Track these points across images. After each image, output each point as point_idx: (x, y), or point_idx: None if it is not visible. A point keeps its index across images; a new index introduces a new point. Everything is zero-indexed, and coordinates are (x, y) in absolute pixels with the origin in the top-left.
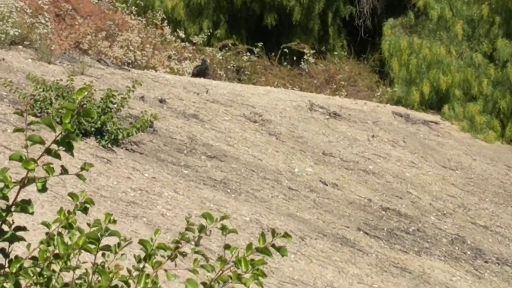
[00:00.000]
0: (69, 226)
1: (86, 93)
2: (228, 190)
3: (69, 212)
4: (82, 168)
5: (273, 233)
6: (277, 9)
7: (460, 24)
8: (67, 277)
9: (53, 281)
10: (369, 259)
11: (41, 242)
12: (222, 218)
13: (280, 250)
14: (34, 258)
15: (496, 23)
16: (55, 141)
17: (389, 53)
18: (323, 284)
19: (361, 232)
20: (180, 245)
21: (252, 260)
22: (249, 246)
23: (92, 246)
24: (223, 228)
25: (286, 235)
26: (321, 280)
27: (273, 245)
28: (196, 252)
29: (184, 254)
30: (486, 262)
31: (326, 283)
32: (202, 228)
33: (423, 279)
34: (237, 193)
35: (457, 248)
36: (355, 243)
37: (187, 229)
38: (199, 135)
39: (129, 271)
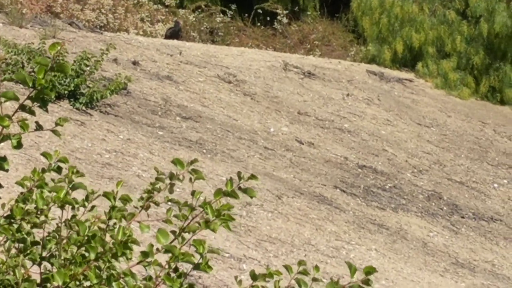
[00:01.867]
0: (42, 186)
1: (59, 47)
2: (204, 151)
3: (43, 170)
4: (56, 124)
5: (239, 176)
6: None
7: None
8: (39, 233)
9: (30, 237)
10: (346, 217)
11: (17, 200)
12: (192, 162)
13: (248, 191)
14: (8, 217)
15: None
16: (29, 97)
17: (360, 12)
18: (300, 242)
19: (338, 190)
20: (152, 195)
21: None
22: (217, 192)
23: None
24: (195, 172)
25: (253, 177)
26: (299, 238)
27: (240, 188)
28: (169, 200)
29: (157, 204)
30: (462, 217)
31: (303, 241)
32: (173, 176)
33: (400, 235)
34: (213, 153)
35: (433, 204)
36: (332, 201)
37: (157, 179)
38: (173, 96)
39: (103, 221)
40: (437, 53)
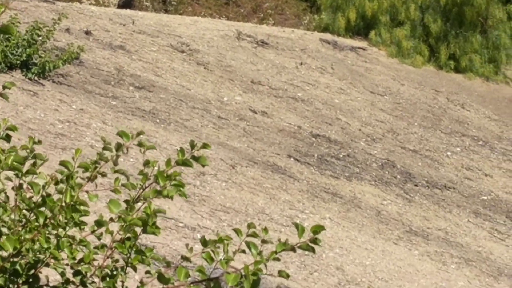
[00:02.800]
0: None
1: (3, 9)
2: (157, 120)
3: None
4: (4, 87)
5: (192, 145)
6: None
7: None
8: None
9: None
10: (300, 186)
11: None
12: (138, 134)
13: (200, 159)
14: None
15: None
16: None
17: None
18: (254, 211)
19: (292, 159)
20: (98, 165)
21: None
22: (168, 161)
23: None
24: (141, 145)
25: (205, 146)
26: (253, 207)
27: (193, 157)
28: (116, 171)
29: (104, 174)
30: (416, 185)
31: (257, 210)
32: (119, 147)
33: (354, 204)
34: (166, 123)
35: (387, 172)
36: (286, 170)
37: (104, 148)
38: (126, 66)
39: (57, 182)
40: (390, 22)
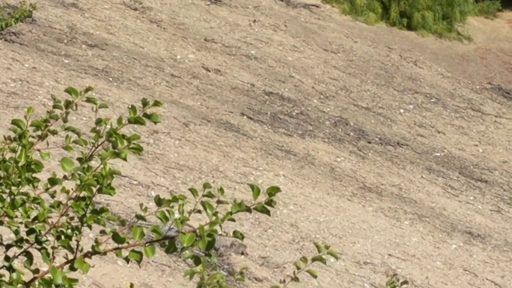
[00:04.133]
0: None
1: None
2: (110, 79)
3: None
4: None
5: (144, 103)
6: None
7: None
8: None
9: None
10: (254, 143)
11: None
12: (87, 90)
13: (152, 117)
14: None
15: None
16: None
17: None
18: (208, 168)
19: (245, 117)
20: (49, 124)
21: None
22: (120, 119)
23: None
24: (90, 101)
25: (157, 103)
26: (207, 164)
27: (145, 114)
28: (66, 129)
29: (54, 132)
30: (369, 142)
31: (211, 168)
32: (68, 104)
33: (308, 161)
34: (119, 81)
35: (340, 130)
36: (239, 128)
37: (54, 106)
38: (79, 24)
39: (12, 149)
40: None
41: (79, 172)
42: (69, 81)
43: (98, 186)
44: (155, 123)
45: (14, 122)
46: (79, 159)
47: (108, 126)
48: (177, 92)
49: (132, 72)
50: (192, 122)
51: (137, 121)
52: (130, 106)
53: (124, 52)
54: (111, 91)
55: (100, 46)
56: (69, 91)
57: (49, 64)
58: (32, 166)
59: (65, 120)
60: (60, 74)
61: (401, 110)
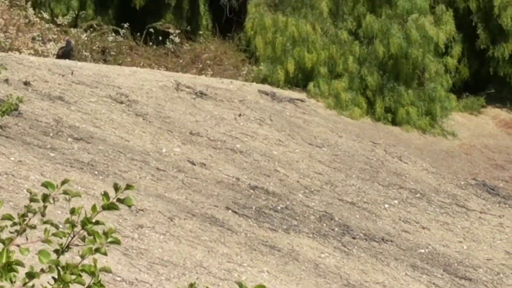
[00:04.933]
0: None
1: None
2: (96, 172)
3: None
4: None
5: (116, 188)
6: None
7: (326, 1)
8: None
9: None
10: (238, 238)
11: None
12: (63, 182)
13: (125, 201)
14: None
15: (360, 1)
16: None
17: (253, 31)
18: (192, 264)
19: (230, 211)
20: (26, 218)
21: (103, 230)
22: (93, 207)
23: None
24: (66, 193)
25: (129, 187)
26: (191, 260)
27: (118, 199)
28: (45, 222)
29: (33, 227)
30: (354, 238)
31: (195, 263)
32: (45, 197)
33: (292, 257)
34: (105, 174)
35: (325, 225)
36: (224, 222)
37: (31, 200)
38: (65, 117)
39: None
40: (329, 73)
41: (58, 266)
42: (55, 174)
43: (87, 285)
44: (129, 206)
45: None
46: (56, 251)
47: (82, 214)
48: (162, 186)
49: (118, 165)
50: (177, 217)
51: (110, 207)
52: (102, 193)
53: (110, 145)
54: (97, 185)
55: (86, 139)
56: (45, 184)
57: (35, 158)
58: (13, 266)
59: (43, 214)
60: (45, 167)
61: (386, 205)
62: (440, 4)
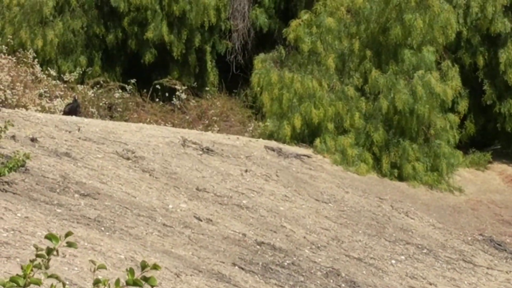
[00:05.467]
0: None
1: None
2: (102, 228)
3: None
4: None
5: (143, 266)
6: (155, 45)
7: (332, 58)
8: None
9: None
10: None
11: None
12: (67, 235)
13: (149, 280)
14: None
15: (367, 57)
16: None
17: (259, 87)
18: None
19: (236, 267)
20: (31, 273)
21: None
22: (117, 281)
23: None
24: (71, 245)
25: (155, 267)
26: None
27: (143, 277)
28: (49, 277)
29: (38, 282)
30: None
31: None
32: (50, 251)
33: None
34: (111, 230)
35: (331, 281)
36: (231, 279)
37: (37, 255)
38: (71, 173)
39: None
40: (335, 129)
41: None
42: (61, 230)
43: None
44: (152, 286)
45: (12, 279)
46: None
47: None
48: (168, 241)
49: (124, 221)
50: (184, 273)
51: (135, 283)
52: (128, 269)
53: (117, 201)
54: (103, 241)
55: (93, 195)
56: (49, 237)
57: (41, 214)
58: None
59: (46, 267)
60: (52, 223)
61: (393, 261)
62: (446, 60)
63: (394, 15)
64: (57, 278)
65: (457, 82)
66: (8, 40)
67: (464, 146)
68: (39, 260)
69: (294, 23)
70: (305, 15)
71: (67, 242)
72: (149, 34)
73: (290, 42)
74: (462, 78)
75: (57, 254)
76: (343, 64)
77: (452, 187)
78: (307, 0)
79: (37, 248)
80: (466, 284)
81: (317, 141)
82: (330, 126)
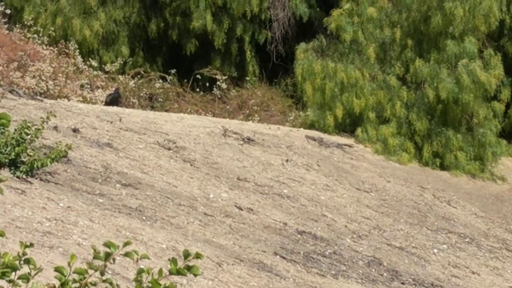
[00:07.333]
0: None
1: None
2: (144, 218)
3: None
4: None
5: (186, 255)
6: (196, 35)
7: (373, 47)
8: None
9: None
10: (287, 284)
11: None
12: (125, 244)
13: (192, 269)
14: None
15: (408, 46)
16: None
17: (302, 77)
18: None
19: (278, 256)
20: (88, 275)
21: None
22: (160, 271)
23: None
24: (128, 255)
25: (198, 255)
26: None
27: (186, 266)
28: (104, 281)
29: (93, 284)
30: (402, 283)
31: None
32: (107, 256)
33: None
34: (152, 220)
35: (373, 270)
36: (272, 268)
37: (94, 257)
38: (113, 163)
39: None
40: (376, 119)
41: None
42: (103, 220)
43: None
44: (195, 275)
45: (58, 269)
46: None
47: (149, 276)
48: (210, 231)
49: (165, 211)
50: (225, 262)
51: (178, 272)
52: (171, 259)
53: (158, 191)
54: (145, 230)
55: (134, 185)
56: (108, 245)
57: (83, 204)
58: None
59: (102, 273)
60: (94, 213)
61: (435, 250)
62: (488, 48)
63: (435, 3)
64: (111, 283)
65: (500, 70)
66: (50, 31)
67: (507, 135)
68: (96, 262)
69: (335, 12)
70: (346, 4)
71: (125, 252)
72: (195, 23)
73: (332, 32)
74: (504, 67)
75: (113, 262)
76: (384, 53)
77: (495, 176)
78: None
79: (95, 250)
80: (509, 272)
81: (359, 130)
82: (372, 115)
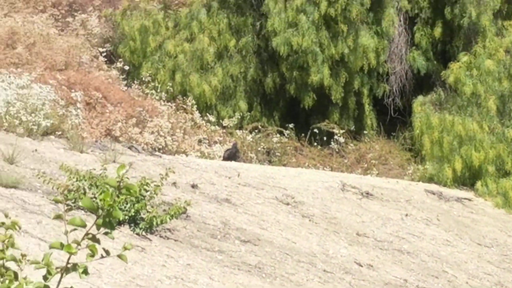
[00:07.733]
0: None
1: (126, 169)
2: (263, 275)
3: None
4: (125, 248)
5: None
6: (313, 89)
7: (493, 100)
8: None
9: None
10: None
11: None
12: None
13: None
14: None
15: None
16: (97, 221)
17: (420, 130)
18: None
19: None
20: None
21: None
22: None
23: None
24: None
25: None
26: None
27: None
28: None
29: None
30: None
31: None
32: None
33: None
34: (272, 277)
35: None
36: None
37: None
38: (232, 219)
39: None
40: (496, 172)
41: None
42: (223, 277)
43: None
44: None
45: None
46: None
47: None
48: None
49: (285, 268)
50: None
51: None
52: None
53: (277, 247)
54: None
55: (253, 241)
56: None
57: (203, 261)
58: None
59: None
60: (214, 270)
61: None
62: None
63: None
64: None
65: None
66: (168, 87)
67: None
68: None
69: (454, 65)
70: (464, 57)
71: None
72: (313, 78)
73: (450, 85)
74: None
75: None
76: (503, 106)
77: None
78: (464, 42)
79: None
80: None
81: (478, 184)
82: (491, 168)
